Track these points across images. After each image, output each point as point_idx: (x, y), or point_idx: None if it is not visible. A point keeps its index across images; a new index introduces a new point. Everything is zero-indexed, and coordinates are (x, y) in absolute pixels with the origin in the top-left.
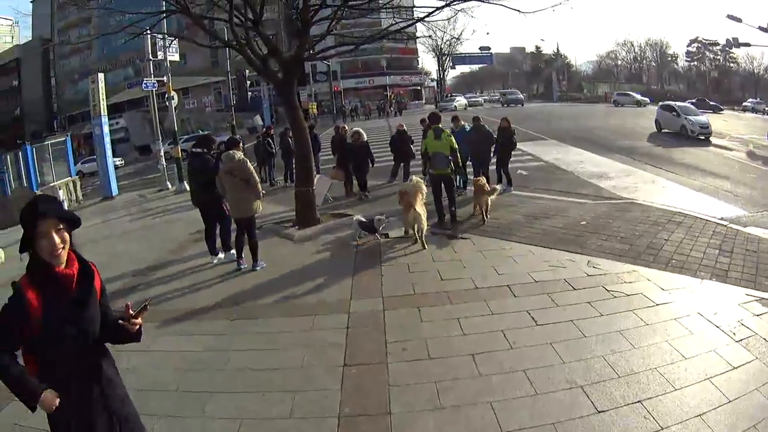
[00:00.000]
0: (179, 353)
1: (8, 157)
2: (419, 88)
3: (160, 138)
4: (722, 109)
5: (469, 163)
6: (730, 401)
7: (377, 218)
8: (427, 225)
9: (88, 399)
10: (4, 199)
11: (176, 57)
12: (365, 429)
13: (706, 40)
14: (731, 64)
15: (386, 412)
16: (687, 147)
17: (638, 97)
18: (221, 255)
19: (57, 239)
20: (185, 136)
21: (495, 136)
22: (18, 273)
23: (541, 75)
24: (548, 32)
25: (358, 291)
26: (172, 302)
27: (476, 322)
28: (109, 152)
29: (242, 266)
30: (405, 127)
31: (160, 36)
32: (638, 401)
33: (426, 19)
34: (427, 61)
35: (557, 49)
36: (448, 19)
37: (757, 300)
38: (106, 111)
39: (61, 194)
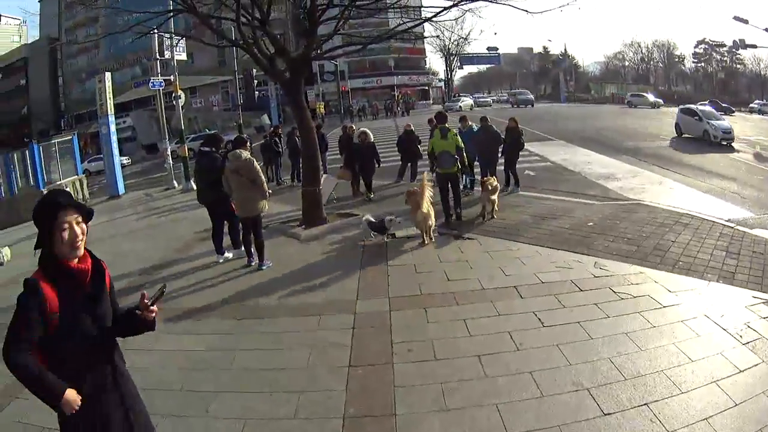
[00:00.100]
0: (184, 352)
1: (15, 155)
2: (427, 88)
3: (167, 137)
4: (734, 111)
5: (476, 163)
6: (736, 405)
7: (388, 218)
8: (435, 224)
9: (103, 395)
10: (10, 197)
11: (183, 56)
12: (370, 430)
13: (713, 41)
14: (738, 66)
15: (391, 413)
16: (708, 153)
17: (652, 98)
18: (228, 254)
19: (78, 229)
20: (192, 135)
21: (503, 137)
22: (24, 271)
23: (549, 75)
24: (556, 33)
25: (364, 291)
26: (178, 301)
27: (483, 323)
28: (115, 151)
29: (252, 263)
30: (413, 127)
31: (168, 35)
32: (645, 404)
33: (434, 19)
34: (435, 61)
35: (565, 49)
36: (456, 19)
37: (763, 302)
38: (113, 110)
39: None
